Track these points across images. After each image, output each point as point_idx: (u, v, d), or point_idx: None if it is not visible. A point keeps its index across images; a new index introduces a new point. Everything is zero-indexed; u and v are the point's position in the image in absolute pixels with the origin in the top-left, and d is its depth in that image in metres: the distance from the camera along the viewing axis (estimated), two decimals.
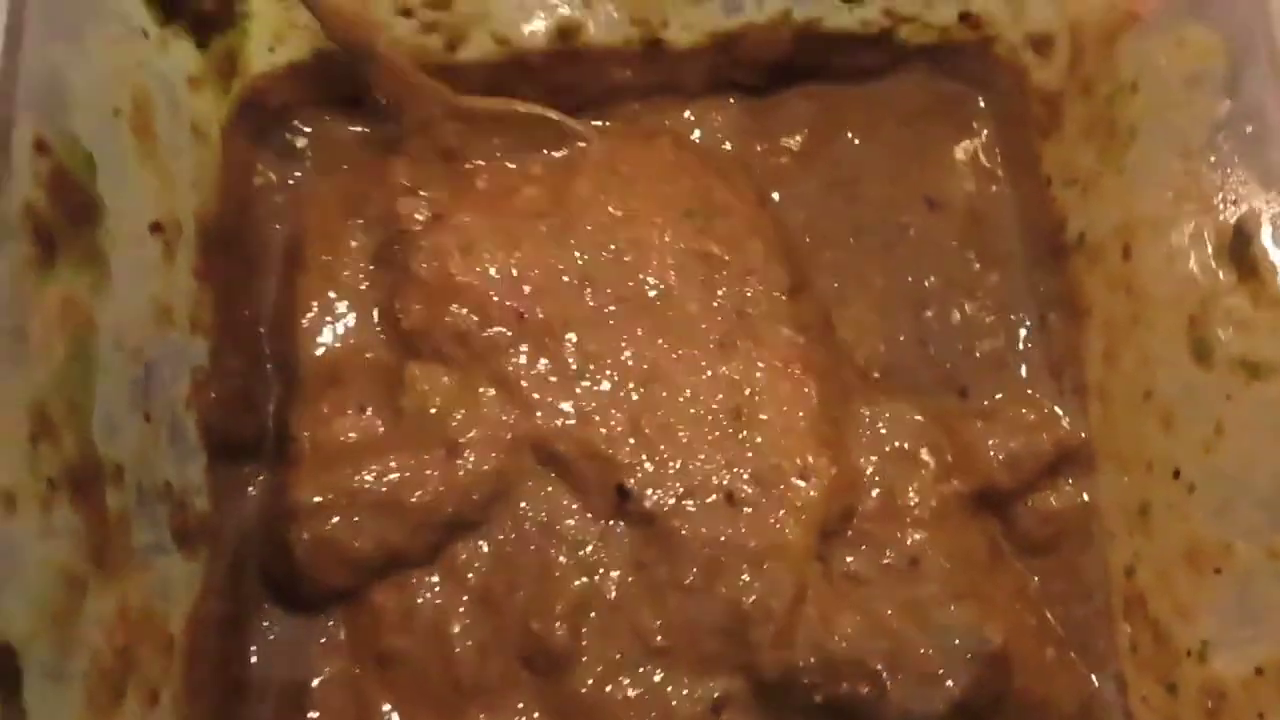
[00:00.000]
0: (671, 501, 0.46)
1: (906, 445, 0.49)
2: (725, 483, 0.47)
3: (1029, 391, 0.53)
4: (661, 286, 0.51)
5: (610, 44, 0.54)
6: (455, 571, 0.48)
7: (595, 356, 0.49)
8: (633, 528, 0.47)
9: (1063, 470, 0.51)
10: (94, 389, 0.39)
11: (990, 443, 0.50)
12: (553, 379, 0.49)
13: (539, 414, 0.48)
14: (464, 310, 0.49)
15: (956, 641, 0.46)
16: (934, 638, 0.46)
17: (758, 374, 0.49)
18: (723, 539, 0.46)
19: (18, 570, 0.34)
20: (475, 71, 0.55)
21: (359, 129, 0.56)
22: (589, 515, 0.48)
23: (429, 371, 0.50)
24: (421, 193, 0.52)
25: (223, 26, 0.51)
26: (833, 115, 0.57)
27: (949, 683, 0.45)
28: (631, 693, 0.45)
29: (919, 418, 0.50)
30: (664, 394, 0.49)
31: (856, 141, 0.57)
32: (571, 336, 0.50)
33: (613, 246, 0.51)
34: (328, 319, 0.53)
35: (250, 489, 0.51)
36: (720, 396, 0.48)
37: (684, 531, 0.46)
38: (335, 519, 0.47)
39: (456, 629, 0.47)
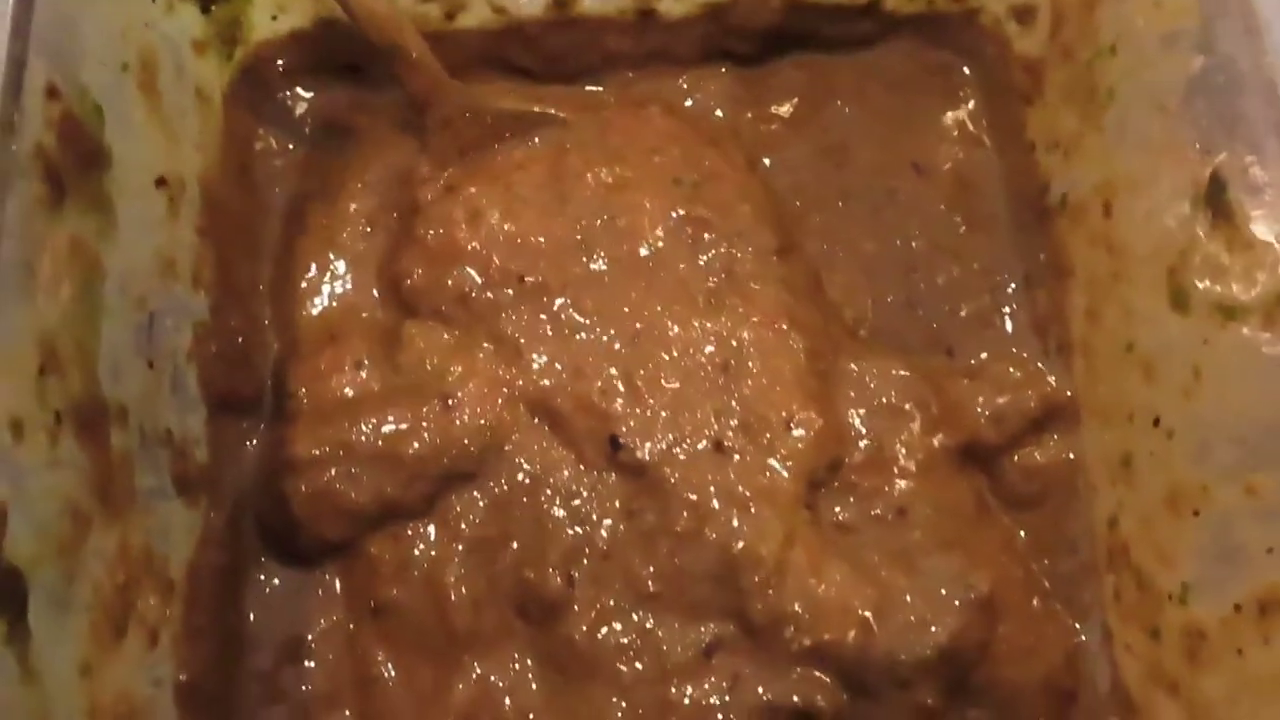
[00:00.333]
0: (662, 450, 0.47)
1: (893, 400, 0.50)
2: (714, 432, 0.48)
3: (1014, 350, 0.54)
4: (653, 249, 0.52)
5: (605, 13, 0.56)
6: (450, 522, 0.49)
7: (589, 315, 0.51)
8: (624, 478, 0.48)
9: (1048, 426, 0.52)
10: (100, 331, 0.40)
11: (977, 399, 0.51)
12: (548, 337, 0.51)
13: (534, 369, 0.50)
14: (468, 271, 0.51)
15: (943, 589, 0.46)
16: (921, 585, 0.46)
17: (746, 330, 0.50)
18: (712, 486, 0.47)
19: (25, 497, 0.35)
20: (473, 39, 0.56)
21: (358, 96, 0.57)
22: (581, 466, 0.49)
23: (426, 330, 0.51)
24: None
25: None
26: (823, 83, 0.58)
27: (935, 629, 0.45)
28: (624, 639, 0.46)
29: (906, 373, 0.51)
30: (655, 349, 0.50)
31: (846, 109, 0.58)
32: (567, 297, 0.51)
33: (606, 213, 0.53)
34: (326, 280, 0.54)
35: (249, 443, 0.51)
36: (709, 350, 0.50)
37: (673, 479, 0.47)
38: (332, 471, 0.48)
39: (451, 579, 0.48)
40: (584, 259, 0.52)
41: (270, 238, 0.55)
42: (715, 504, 0.46)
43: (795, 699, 0.45)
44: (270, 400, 0.52)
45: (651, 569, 0.46)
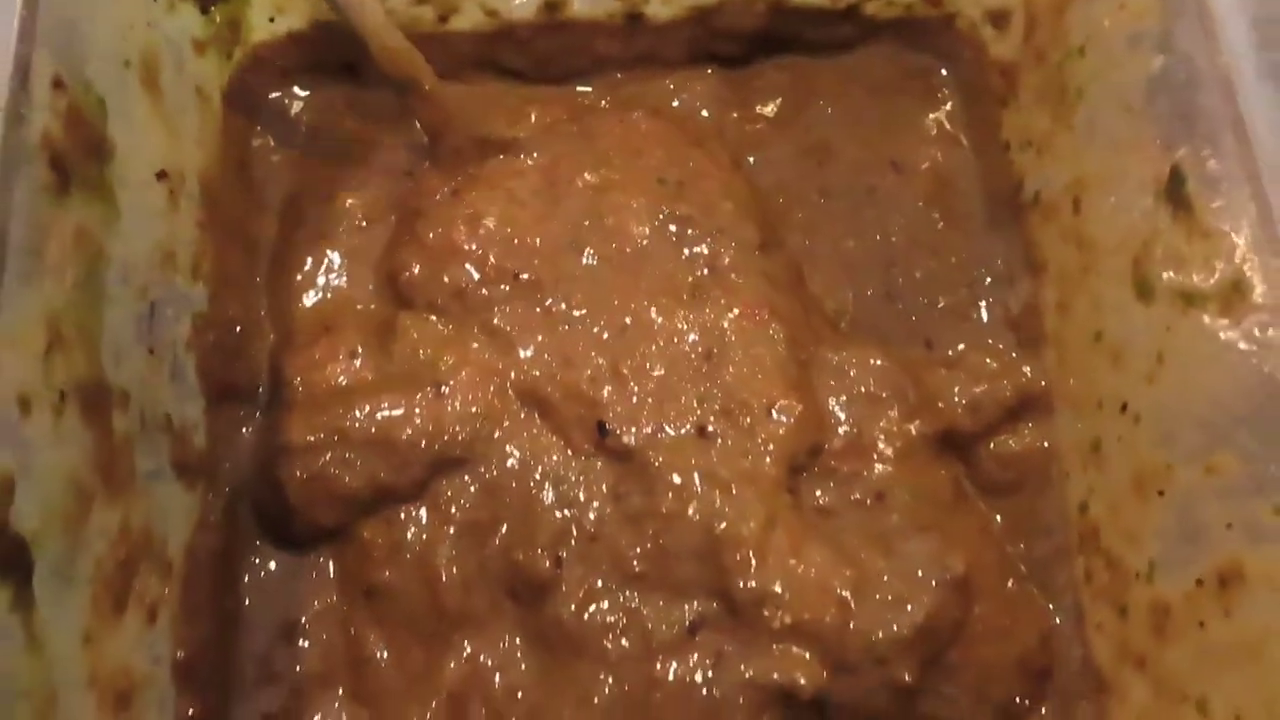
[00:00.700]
0: (647, 434, 0.49)
1: (872, 388, 0.52)
2: (697, 418, 0.49)
3: (990, 342, 0.56)
4: (639, 246, 0.54)
5: (594, 17, 0.58)
6: (441, 506, 0.50)
7: (578, 309, 0.53)
8: (611, 462, 0.49)
9: (1023, 415, 0.53)
10: (103, 317, 0.42)
11: (954, 389, 0.53)
12: (539, 330, 0.52)
13: (525, 359, 0.51)
14: (465, 269, 0.53)
15: (920, 570, 0.48)
16: (898, 566, 0.48)
17: (728, 320, 0.52)
18: (695, 470, 0.48)
19: (31, 471, 0.36)
20: (465, 41, 0.58)
21: (354, 95, 0.59)
22: (569, 452, 0.50)
23: (421, 321, 0.53)
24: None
25: None
26: (805, 85, 0.60)
27: (911, 608, 0.47)
28: (610, 618, 0.47)
29: (884, 363, 0.52)
30: (641, 340, 0.52)
31: (828, 110, 0.60)
32: (558, 293, 0.53)
33: (595, 214, 0.55)
34: (321, 273, 0.56)
35: (245, 431, 0.53)
36: (693, 340, 0.51)
37: (658, 463, 0.48)
38: (326, 456, 0.50)
39: (442, 561, 0.49)
40: (574, 257, 0.54)
41: (268, 232, 0.56)
42: (699, 486, 0.48)
43: (776, 676, 0.46)
44: (267, 389, 0.53)
45: (637, 549, 0.48)
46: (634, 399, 0.50)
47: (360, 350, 0.53)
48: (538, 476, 0.50)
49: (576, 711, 0.47)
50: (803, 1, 0.58)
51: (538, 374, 0.51)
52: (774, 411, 0.49)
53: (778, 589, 0.47)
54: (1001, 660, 0.49)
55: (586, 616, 0.48)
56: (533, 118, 0.59)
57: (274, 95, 0.59)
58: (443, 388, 0.50)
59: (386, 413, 0.50)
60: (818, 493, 0.50)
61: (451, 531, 0.50)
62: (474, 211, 0.54)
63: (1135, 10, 0.46)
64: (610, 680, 0.47)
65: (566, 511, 0.49)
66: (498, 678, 0.48)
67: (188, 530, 0.48)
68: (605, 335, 0.52)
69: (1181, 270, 0.43)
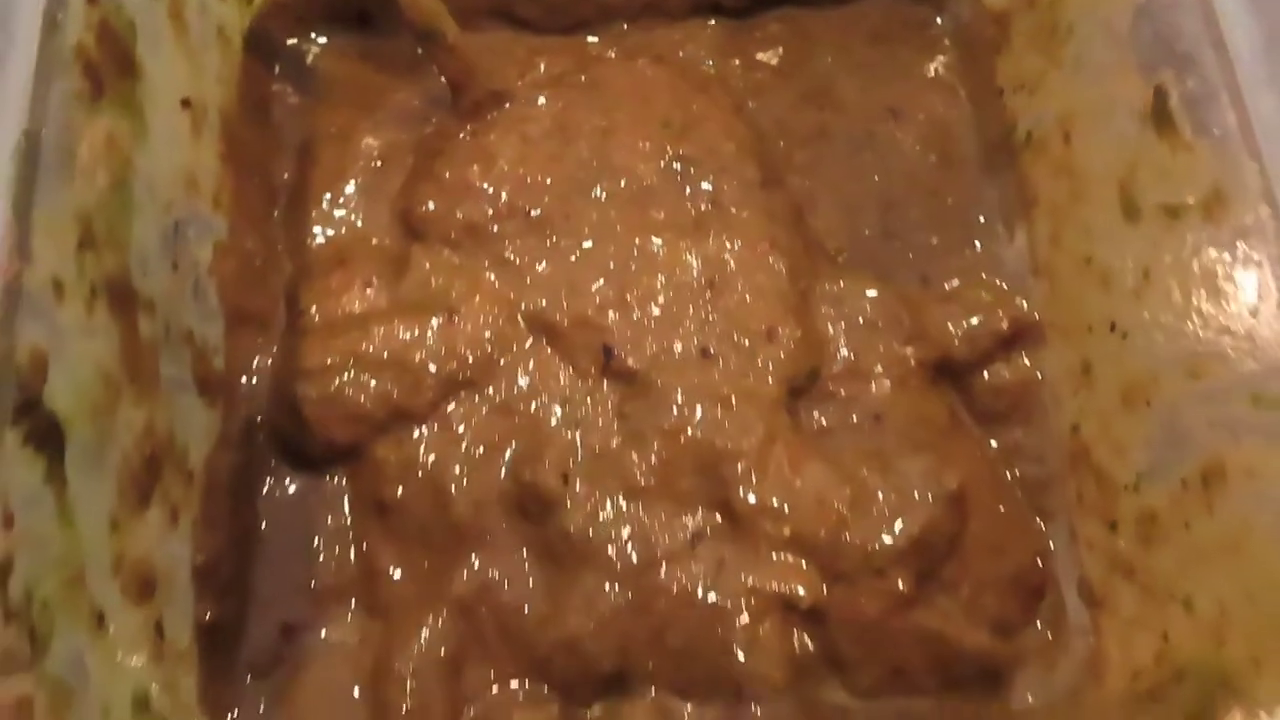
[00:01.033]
0: (651, 355, 0.51)
1: (869, 317, 0.53)
2: (699, 341, 0.51)
3: (984, 276, 0.57)
4: (644, 184, 0.56)
5: None
6: (452, 426, 0.52)
7: (586, 241, 0.54)
8: (616, 384, 0.51)
9: (1017, 346, 0.55)
10: (131, 224, 0.44)
11: (949, 320, 0.55)
12: (548, 261, 0.54)
13: (534, 288, 0.53)
14: (480, 205, 0.55)
15: (915, 486, 0.49)
16: (894, 483, 0.49)
17: (730, 252, 0.53)
18: (698, 388, 0.50)
19: (64, 355, 0.38)
20: None
21: (369, 43, 0.61)
22: (576, 375, 0.52)
23: (434, 253, 0.55)
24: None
25: None
26: (805, 36, 0.62)
27: (906, 520, 0.48)
28: (615, 530, 0.49)
29: (881, 293, 0.54)
30: (646, 270, 0.53)
31: (828, 59, 0.62)
32: (567, 228, 0.55)
33: (603, 154, 0.57)
34: (337, 209, 0.58)
35: (262, 361, 0.54)
36: (696, 270, 0.53)
37: (661, 383, 0.50)
38: (342, 377, 0.51)
39: (452, 479, 0.51)
40: (583, 194, 0.56)
41: (285, 171, 0.58)
42: (701, 404, 0.49)
43: (775, 585, 0.48)
44: (284, 317, 0.55)
45: (642, 465, 0.49)
46: (639, 325, 0.52)
47: (375, 280, 0.55)
48: (545, 398, 0.51)
49: (583, 619, 0.48)
50: None
51: (546, 302, 0.53)
52: (774, 335, 0.51)
53: (776, 502, 0.48)
54: (996, 576, 0.51)
55: (592, 530, 0.49)
56: (542, 68, 0.61)
57: (291, 41, 0.61)
58: (454, 314, 0.52)
59: (400, 336, 0.52)
60: (816, 414, 0.52)
61: (462, 450, 0.51)
62: (489, 152, 0.56)
63: None
64: (615, 588, 0.48)
65: (573, 431, 0.51)
66: (506, 587, 0.49)
67: (208, 445, 0.49)
68: (611, 266, 0.54)
69: (1166, 186, 0.45)
